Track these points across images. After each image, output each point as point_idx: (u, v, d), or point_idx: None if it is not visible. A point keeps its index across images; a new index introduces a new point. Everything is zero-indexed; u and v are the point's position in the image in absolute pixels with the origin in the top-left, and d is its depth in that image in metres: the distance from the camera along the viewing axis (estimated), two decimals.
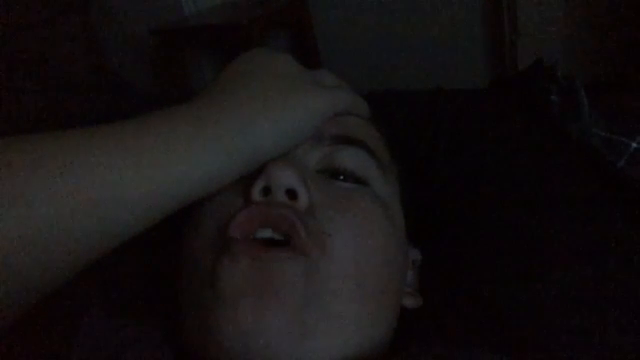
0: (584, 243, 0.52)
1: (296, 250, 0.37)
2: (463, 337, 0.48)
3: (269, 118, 0.40)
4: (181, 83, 2.06)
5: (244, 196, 0.40)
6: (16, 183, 0.30)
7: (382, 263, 0.42)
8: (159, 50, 2.04)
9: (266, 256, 0.36)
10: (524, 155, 0.63)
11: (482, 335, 0.47)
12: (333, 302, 0.38)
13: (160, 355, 0.42)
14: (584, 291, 0.47)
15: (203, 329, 0.37)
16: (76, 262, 0.34)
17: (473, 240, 0.56)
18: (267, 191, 0.39)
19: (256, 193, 0.39)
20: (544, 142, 0.64)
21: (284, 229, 0.37)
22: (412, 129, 0.72)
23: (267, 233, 0.38)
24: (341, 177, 0.44)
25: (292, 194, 0.39)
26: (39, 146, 0.33)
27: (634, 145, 0.59)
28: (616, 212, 0.55)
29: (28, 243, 0.30)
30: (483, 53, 2.03)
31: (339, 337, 0.38)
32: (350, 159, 0.44)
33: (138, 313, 0.49)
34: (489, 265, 0.53)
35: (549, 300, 0.47)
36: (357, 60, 2.18)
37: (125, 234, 0.35)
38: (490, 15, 1.95)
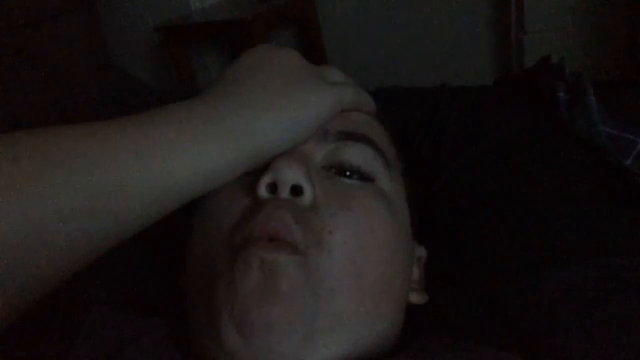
0: (587, 241, 0.52)
1: (299, 250, 0.37)
2: (469, 334, 0.48)
3: (274, 114, 0.40)
4: (186, 79, 2.06)
5: (251, 193, 0.40)
6: (22, 177, 0.30)
7: (385, 260, 0.41)
8: (164, 46, 2.04)
9: (269, 257, 0.36)
10: (530, 153, 0.63)
11: (488, 332, 0.47)
12: (334, 300, 0.38)
13: (163, 351, 0.42)
14: (586, 289, 0.47)
15: (210, 326, 0.37)
16: (81, 257, 0.34)
17: (478, 237, 0.56)
18: (273, 187, 0.39)
19: (262, 190, 0.39)
20: (550, 140, 0.63)
21: (282, 237, 0.37)
22: (418, 126, 0.72)
23: (272, 234, 0.37)
24: (347, 173, 0.44)
25: (297, 190, 0.39)
26: (44, 141, 0.33)
27: None
28: (621, 210, 0.55)
29: (34, 237, 0.30)
30: (489, 51, 2.03)
31: (341, 335, 0.38)
32: (355, 155, 0.44)
33: (141, 310, 0.49)
34: (493, 262, 0.53)
35: (552, 297, 0.47)
36: (363, 56, 2.18)
37: (129, 229, 0.35)
38: (497, 13, 1.95)
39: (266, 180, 0.39)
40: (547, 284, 0.48)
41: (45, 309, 0.40)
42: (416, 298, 0.49)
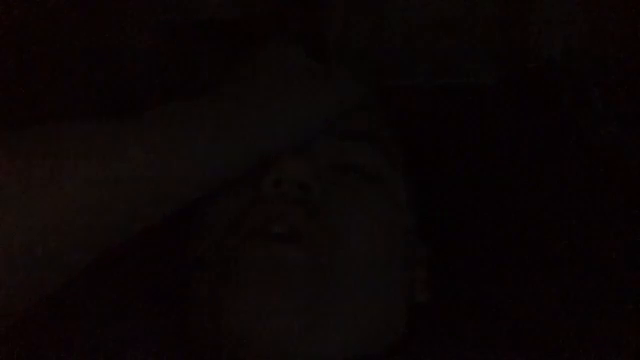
0: (588, 242, 0.52)
1: (305, 246, 0.37)
2: (470, 334, 0.48)
3: (279, 113, 0.40)
4: (190, 76, 2.06)
5: (254, 189, 0.40)
6: (35, 173, 0.31)
7: (391, 258, 0.42)
8: (167, 43, 2.04)
9: (277, 251, 0.36)
10: (531, 152, 0.63)
11: (489, 332, 0.48)
12: (342, 296, 0.38)
13: (164, 350, 0.42)
14: (587, 291, 0.47)
15: (214, 320, 0.37)
16: (90, 251, 0.34)
17: (478, 238, 0.56)
18: (278, 184, 0.39)
19: (267, 186, 0.39)
20: (552, 139, 0.63)
21: (295, 225, 0.37)
22: (420, 125, 0.72)
23: (280, 228, 0.38)
24: (351, 172, 0.43)
25: (304, 188, 0.39)
26: (57, 136, 0.33)
27: None
28: (622, 211, 0.55)
29: (47, 233, 0.31)
30: (491, 50, 2.02)
31: (346, 331, 0.38)
32: (360, 154, 0.44)
33: (140, 310, 0.49)
34: (494, 263, 0.53)
35: (552, 299, 0.47)
36: (367, 54, 2.17)
37: (135, 225, 0.36)
38: (499, 11, 1.95)
39: (272, 177, 0.39)
40: (548, 286, 0.48)
41: (46, 309, 0.40)
42: (420, 298, 0.49)
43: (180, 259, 0.46)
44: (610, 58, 0.69)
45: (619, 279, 0.48)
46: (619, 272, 0.49)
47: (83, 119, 0.35)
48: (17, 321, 0.33)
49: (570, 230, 0.53)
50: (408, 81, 0.86)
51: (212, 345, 0.38)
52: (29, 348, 0.43)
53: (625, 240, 0.52)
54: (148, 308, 0.50)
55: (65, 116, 0.35)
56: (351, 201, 0.41)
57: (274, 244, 0.36)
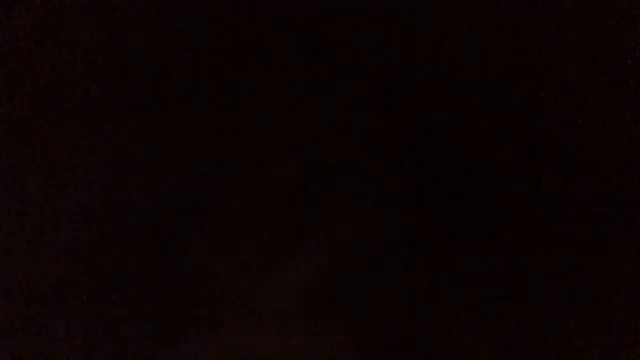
0: (586, 241, 0.52)
1: (306, 245, 0.37)
2: (473, 333, 0.48)
3: (280, 113, 0.40)
4: (190, 76, 2.06)
5: (254, 188, 0.40)
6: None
7: (390, 257, 0.42)
8: (168, 43, 2.04)
9: (278, 251, 0.36)
10: (532, 153, 0.63)
11: (491, 333, 0.47)
12: (342, 296, 0.38)
13: (163, 351, 0.42)
14: (585, 292, 0.47)
15: (212, 320, 0.38)
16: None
17: (478, 238, 0.56)
18: (276, 183, 0.40)
19: (266, 186, 0.39)
20: (553, 139, 0.63)
21: (295, 225, 0.38)
22: (421, 122, 0.72)
23: (280, 228, 0.38)
24: (351, 171, 0.44)
25: (302, 187, 0.40)
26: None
27: None
28: (620, 209, 0.54)
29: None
30: (496, 50, 2.02)
31: (346, 330, 0.38)
32: (360, 153, 0.44)
33: (140, 309, 0.49)
34: (492, 263, 0.53)
35: (549, 303, 0.47)
36: (368, 50, 2.17)
37: None
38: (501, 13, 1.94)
39: (269, 177, 0.39)
40: (548, 287, 0.48)
41: (46, 308, 0.40)
42: (419, 298, 0.49)
43: (180, 259, 0.46)
44: (609, 58, 0.69)
45: (619, 280, 0.48)
46: (619, 272, 0.48)
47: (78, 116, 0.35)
48: (17, 321, 0.33)
49: (570, 229, 0.53)
50: (409, 79, 0.86)
51: (212, 345, 0.38)
52: (29, 348, 0.43)
53: (624, 239, 0.52)
54: (148, 307, 0.50)
55: (66, 116, 0.35)
56: (350, 200, 0.41)
57: (274, 244, 0.36)
